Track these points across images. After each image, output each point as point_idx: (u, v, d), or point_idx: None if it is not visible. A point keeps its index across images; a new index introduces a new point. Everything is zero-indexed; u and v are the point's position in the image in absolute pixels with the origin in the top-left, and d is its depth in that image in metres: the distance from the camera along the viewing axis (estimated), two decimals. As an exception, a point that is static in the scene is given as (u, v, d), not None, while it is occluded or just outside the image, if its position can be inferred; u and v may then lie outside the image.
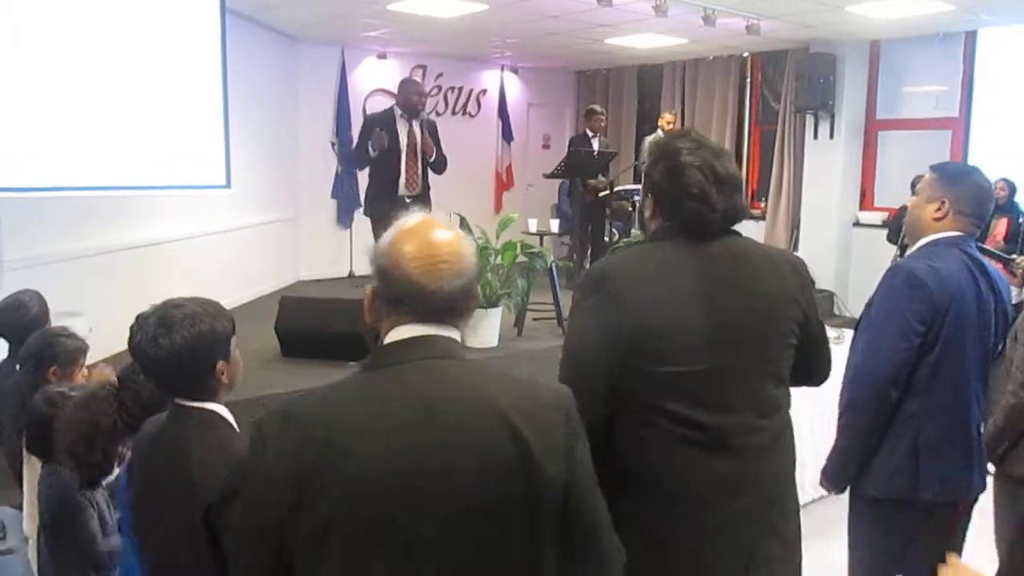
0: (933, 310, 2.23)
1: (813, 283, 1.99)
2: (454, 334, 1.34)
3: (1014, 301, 2.98)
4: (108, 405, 2.07)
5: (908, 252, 2.47)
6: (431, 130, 6.06)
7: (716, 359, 1.77)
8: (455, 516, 1.22)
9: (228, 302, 7.16)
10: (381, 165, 5.88)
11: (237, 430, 1.79)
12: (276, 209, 8.20)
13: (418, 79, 6.51)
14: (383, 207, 5.71)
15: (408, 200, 5.85)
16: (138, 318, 1.77)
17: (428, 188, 6.07)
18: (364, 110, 9.20)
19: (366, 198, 6.00)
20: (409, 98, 5.95)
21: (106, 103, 4.04)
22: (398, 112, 5.95)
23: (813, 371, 1.99)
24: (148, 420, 1.91)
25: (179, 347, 1.70)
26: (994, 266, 2.46)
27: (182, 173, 4.40)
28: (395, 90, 9.25)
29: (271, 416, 1.27)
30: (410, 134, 5.93)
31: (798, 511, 1.94)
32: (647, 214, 1.91)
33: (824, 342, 2.00)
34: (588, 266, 8.18)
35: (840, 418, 2.40)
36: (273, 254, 8.17)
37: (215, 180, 4.50)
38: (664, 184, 1.83)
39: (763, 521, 1.83)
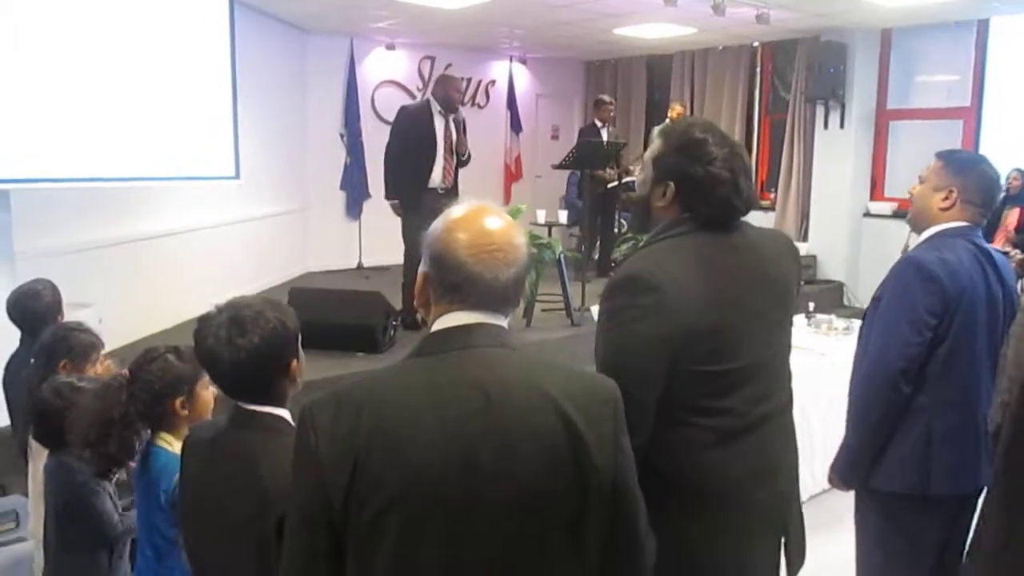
0: (945, 303, 2.21)
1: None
2: (503, 322, 1.35)
3: None
4: (120, 396, 2.07)
5: (916, 242, 2.45)
6: (464, 128, 6.22)
7: (757, 352, 1.79)
8: (508, 500, 1.24)
9: (237, 293, 7.21)
10: (415, 156, 5.98)
11: None
12: (285, 200, 8.22)
13: (457, 76, 6.63)
14: (414, 197, 5.86)
15: (440, 192, 5.98)
16: (204, 320, 1.71)
17: (457, 183, 6.21)
18: (372, 101, 9.22)
19: (396, 186, 6.10)
20: (449, 94, 6.07)
21: (116, 95, 4.05)
22: (435, 107, 6.04)
23: None
24: (197, 426, 1.87)
25: (257, 346, 1.64)
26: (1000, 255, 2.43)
27: (192, 165, 4.41)
28: (403, 81, 9.39)
29: (323, 401, 1.27)
30: (447, 129, 6.06)
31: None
32: (659, 204, 1.84)
33: None
34: (597, 257, 8.19)
35: (850, 413, 2.38)
36: (282, 245, 8.19)
37: (225, 172, 4.51)
38: (695, 171, 1.77)
39: (790, 498, 1.91)
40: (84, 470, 2.26)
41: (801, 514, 1.96)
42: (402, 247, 5.95)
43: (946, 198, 2.33)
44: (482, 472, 1.23)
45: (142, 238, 5.69)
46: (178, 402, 2.09)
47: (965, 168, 2.35)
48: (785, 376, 1.90)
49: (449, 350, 1.30)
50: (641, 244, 1.92)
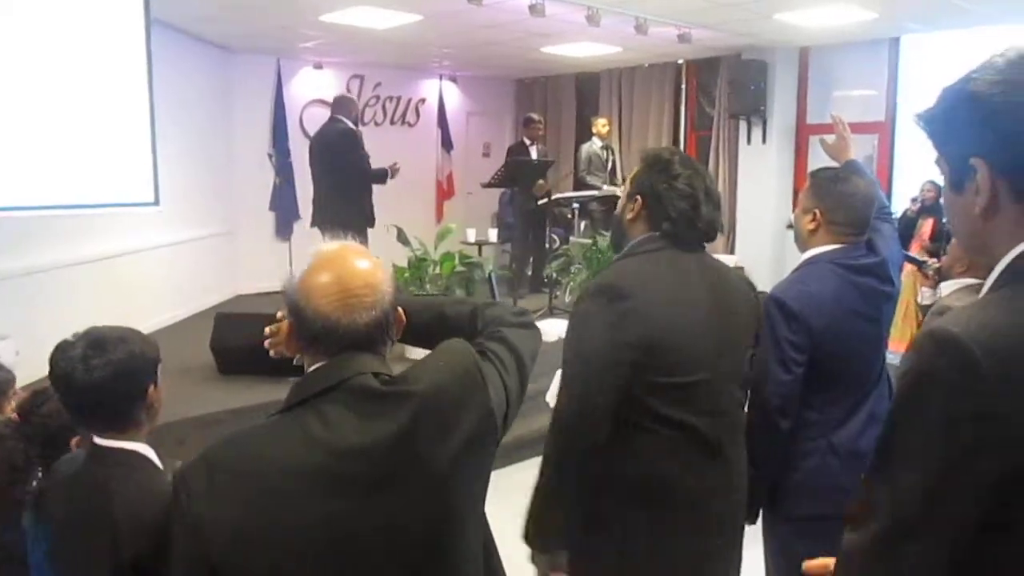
0: (811, 336, 2.20)
1: None
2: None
3: (925, 302, 3.04)
4: (16, 443, 2.01)
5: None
6: None
7: (714, 368, 1.92)
8: (391, 550, 1.24)
9: (165, 319, 7.03)
10: (366, 184, 6.07)
11: (162, 469, 1.74)
12: (213, 223, 8.06)
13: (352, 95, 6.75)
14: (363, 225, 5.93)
15: None
16: (60, 347, 1.68)
17: None
18: (301, 121, 9.13)
19: (360, 213, 6.04)
20: (358, 115, 6.36)
21: (27, 121, 3.94)
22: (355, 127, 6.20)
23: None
24: (61, 460, 1.83)
25: (114, 369, 1.63)
26: (883, 260, 2.37)
27: (108, 192, 4.29)
28: (330, 100, 9.21)
29: (195, 467, 1.24)
30: None
31: None
32: (629, 217, 2.02)
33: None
34: (530, 273, 8.24)
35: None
36: (210, 269, 8.02)
37: (143, 198, 4.41)
38: (659, 185, 1.95)
39: (742, 508, 2.08)
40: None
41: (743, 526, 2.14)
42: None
43: (812, 220, 2.32)
44: (360, 528, 1.22)
45: (60, 266, 5.50)
46: (74, 442, 1.99)
47: (826, 188, 2.33)
48: (737, 398, 2.04)
49: (309, 398, 1.26)
50: (616, 258, 2.07)
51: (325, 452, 1.21)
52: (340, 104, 6.38)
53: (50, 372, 1.70)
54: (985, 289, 1.08)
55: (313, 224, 6.12)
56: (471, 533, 1.35)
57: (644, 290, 1.86)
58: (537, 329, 1.58)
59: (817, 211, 2.31)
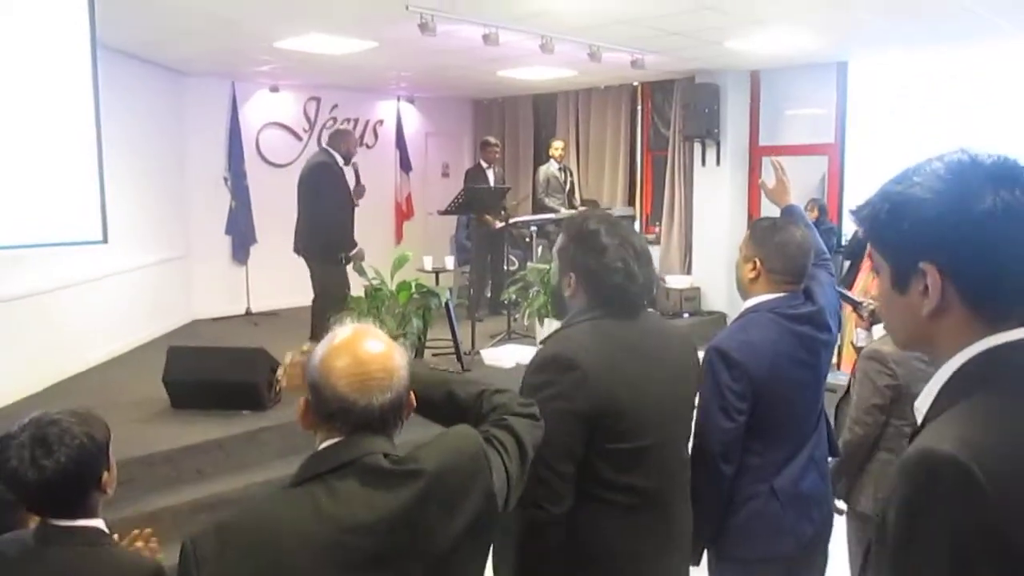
0: (752, 384, 2.25)
1: None
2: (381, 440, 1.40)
3: (860, 344, 3.10)
4: None
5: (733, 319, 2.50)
6: (358, 172, 6.55)
7: (661, 432, 1.93)
8: None
9: (119, 347, 6.89)
10: (347, 215, 6.20)
11: (116, 539, 1.77)
12: (167, 248, 7.95)
13: (349, 127, 6.86)
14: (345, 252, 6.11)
15: None
16: (4, 440, 1.65)
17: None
18: (257, 143, 9.08)
19: (326, 245, 6.09)
20: (350, 150, 6.39)
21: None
22: (340, 161, 6.28)
23: None
24: (2, 539, 1.77)
25: (64, 465, 1.61)
26: (823, 307, 2.43)
27: (52, 229, 4.17)
28: (288, 123, 9.30)
29: (204, 534, 1.28)
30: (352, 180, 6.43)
31: None
32: (567, 292, 2.02)
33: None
34: (489, 295, 8.26)
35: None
36: (165, 294, 7.90)
37: (90, 235, 4.30)
38: (589, 262, 1.95)
39: (683, 571, 2.09)
40: None
41: None
42: (293, 293, 6.07)
43: (753, 268, 2.38)
44: None
45: (9, 299, 5.39)
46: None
47: (764, 238, 2.39)
48: (685, 458, 2.07)
49: (321, 474, 1.33)
50: (560, 327, 2.06)
51: (334, 527, 1.26)
52: (333, 137, 6.63)
53: None
54: (934, 393, 1.08)
55: (295, 250, 6.30)
56: None
57: (589, 358, 1.85)
58: (540, 420, 1.67)
59: (757, 260, 2.38)
